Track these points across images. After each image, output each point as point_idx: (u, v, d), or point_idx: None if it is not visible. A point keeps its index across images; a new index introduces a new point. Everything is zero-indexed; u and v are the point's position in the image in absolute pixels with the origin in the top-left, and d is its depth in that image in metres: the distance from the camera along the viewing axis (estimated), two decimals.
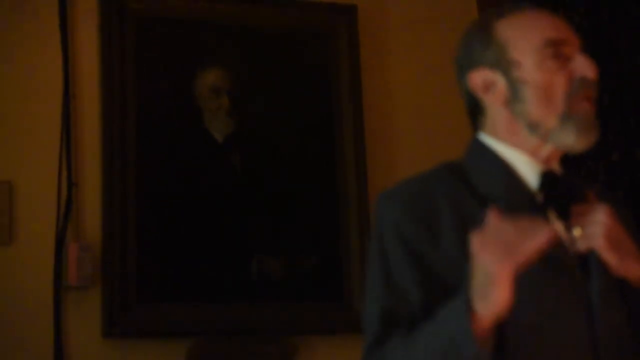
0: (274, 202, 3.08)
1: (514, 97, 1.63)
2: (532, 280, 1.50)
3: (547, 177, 1.61)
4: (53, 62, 2.96)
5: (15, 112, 2.92)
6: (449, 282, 1.52)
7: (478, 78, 1.66)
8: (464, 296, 1.44)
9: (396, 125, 3.32)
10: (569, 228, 1.56)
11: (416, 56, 3.38)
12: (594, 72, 1.61)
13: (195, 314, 2.92)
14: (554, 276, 1.54)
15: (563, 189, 1.60)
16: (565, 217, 1.57)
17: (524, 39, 1.63)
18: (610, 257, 1.52)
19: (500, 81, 1.64)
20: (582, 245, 1.54)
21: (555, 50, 1.61)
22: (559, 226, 1.58)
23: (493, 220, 1.44)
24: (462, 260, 1.49)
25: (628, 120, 3.30)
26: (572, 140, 1.60)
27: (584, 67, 1.61)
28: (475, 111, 1.70)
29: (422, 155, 3.26)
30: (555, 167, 1.65)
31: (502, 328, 1.45)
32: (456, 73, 1.72)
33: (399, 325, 1.53)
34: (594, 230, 1.53)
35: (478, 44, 1.67)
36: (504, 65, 1.63)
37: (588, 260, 1.56)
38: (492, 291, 1.41)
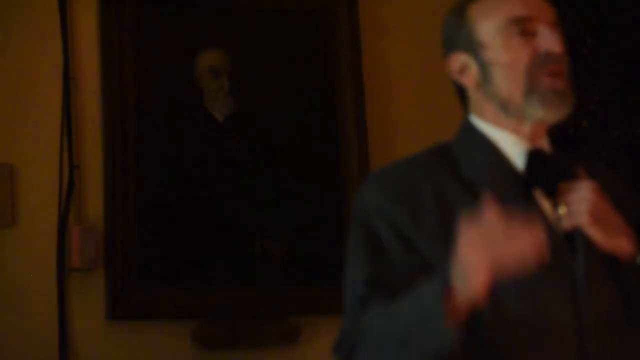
0: (275, 184, 3.08)
1: (484, 79, 1.63)
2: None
3: (532, 156, 1.60)
4: (53, 44, 2.95)
5: (16, 95, 2.91)
6: (431, 262, 1.52)
7: (455, 62, 1.66)
8: (443, 275, 1.44)
9: (397, 106, 3.32)
10: (555, 206, 1.56)
11: (417, 37, 3.36)
12: (559, 46, 1.59)
13: (198, 296, 2.93)
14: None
15: (550, 167, 1.59)
16: (553, 195, 1.57)
17: (490, 19, 1.62)
18: (595, 234, 1.52)
19: (472, 64, 1.64)
20: (567, 223, 1.54)
21: (521, 28, 1.60)
22: (546, 204, 1.58)
23: (487, 213, 1.42)
24: (443, 243, 1.49)
25: (628, 99, 3.30)
26: (540, 113, 1.59)
27: (548, 41, 1.59)
28: (461, 94, 1.70)
29: (423, 137, 3.23)
30: (544, 144, 1.64)
31: (482, 314, 1.45)
32: (443, 56, 1.72)
33: (382, 290, 1.53)
34: (579, 207, 1.52)
35: (454, 27, 1.67)
36: (474, 47, 1.64)
37: (575, 238, 1.55)
38: (469, 280, 1.41)
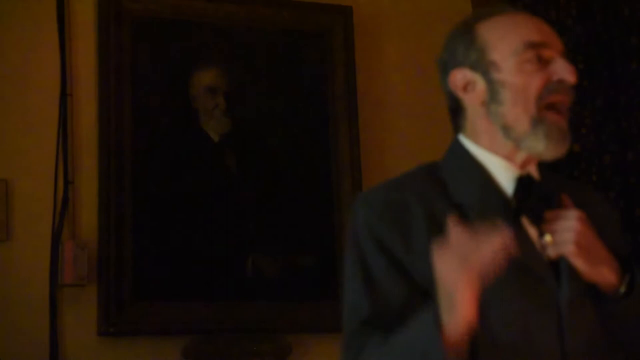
0: (269, 201, 3.10)
1: (491, 98, 1.62)
2: (502, 289, 1.50)
3: (522, 183, 1.59)
4: (50, 61, 2.97)
5: (12, 110, 2.93)
6: (424, 284, 1.52)
7: (458, 77, 1.65)
8: (433, 309, 1.44)
9: (391, 125, 3.34)
10: (542, 234, 1.56)
11: (410, 57, 3.39)
12: (573, 76, 1.59)
13: (190, 313, 2.93)
14: (524, 285, 1.54)
15: (538, 195, 1.58)
16: (539, 223, 1.56)
17: (504, 40, 1.62)
18: (579, 264, 1.53)
19: (479, 82, 1.63)
20: (552, 252, 1.54)
21: (535, 53, 1.60)
22: (532, 232, 1.58)
23: (452, 230, 1.43)
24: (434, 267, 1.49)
25: (620, 123, 3.32)
26: (542, 146, 1.59)
27: (562, 70, 1.59)
28: (455, 112, 1.69)
29: (416, 155, 3.26)
30: (533, 171, 1.64)
31: (474, 341, 1.45)
32: (439, 74, 1.71)
33: (378, 326, 1.54)
34: (564, 236, 1.52)
35: (460, 45, 1.66)
36: (484, 66, 1.63)
37: (560, 266, 1.56)
38: (455, 304, 1.41)
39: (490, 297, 1.47)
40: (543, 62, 1.60)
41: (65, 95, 2.96)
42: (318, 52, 3.26)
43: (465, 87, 1.65)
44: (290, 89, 3.20)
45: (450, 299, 1.42)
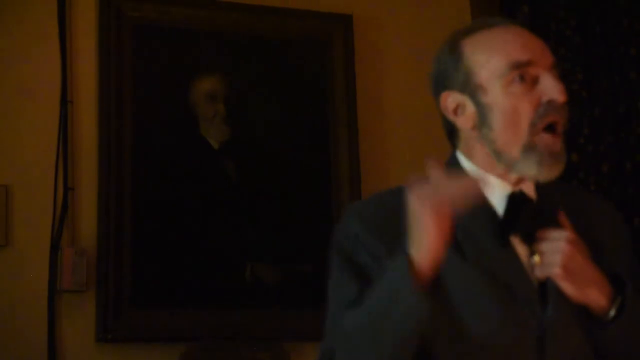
0: (269, 209, 3.10)
1: (481, 122, 1.58)
2: (484, 310, 1.50)
3: (513, 200, 1.57)
4: (51, 67, 2.97)
5: (12, 116, 2.93)
6: None
7: (449, 101, 1.62)
8: (402, 248, 1.46)
9: (391, 133, 3.34)
10: (531, 253, 1.54)
11: (410, 65, 3.40)
12: (563, 95, 1.55)
13: (188, 320, 2.94)
14: (506, 305, 1.52)
15: (530, 212, 1.55)
16: (531, 242, 1.54)
17: (489, 63, 1.57)
18: (566, 287, 1.50)
19: (469, 105, 1.59)
20: (539, 273, 1.52)
21: (521, 73, 1.55)
22: (523, 251, 1.55)
23: (433, 175, 1.45)
24: None
25: (619, 133, 3.33)
26: (534, 172, 1.56)
27: (551, 89, 1.54)
28: (449, 132, 1.66)
29: (416, 163, 3.27)
30: (528, 187, 1.60)
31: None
32: (431, 90, 1.68)
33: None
34: (552, 259, 1.50)
35: (448, 65, 1.62)
36: (471, 89, 1.59)
37: (547, 286, 1.53)
38: (424, 236, 1.43)
39: (471, 316, 1.46)
40: (530, 82, 1.56)
41: (65, 102, 2.96)
42: (318, 60, 3.27)
43: (456, 111, 1.61)
44: (290, 97, 3.21)
45: (420, 232, 1.43)
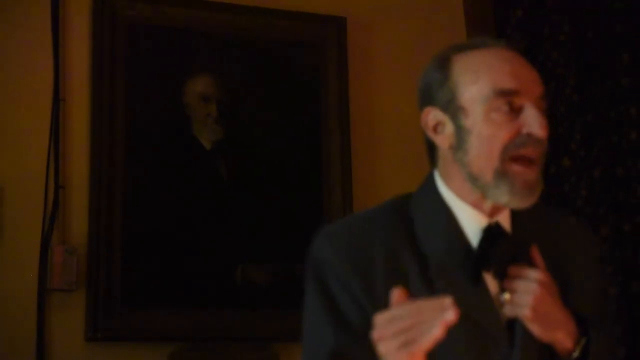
0: (260, 210, 3.10)
1: (458, 145, 1.55)
2: (453, 346, 1.48)
3: (488, 234, 1.54)
4: (44, 66, 2.97)
5: (4, 114, 2.93)
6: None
7: (431, 117, 1.59)
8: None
9: (382, 136, 3.35)
10: (502, 290, 1.53)
11: (403, 69, 3.41)
12: (543, 130, 1.51)
13: (178, 320, 2.93)
14: (475, 343, 1.51)
15: (504, 247, 1.53)
16: (502, 277, 1.52)
17: (474, 85, 1.54)
18: (534, 328, 1.50)
19: (448, 125, 1.56)
20: (508, 312, 1.51)
21: (506, 101, 1.52)
22: (493, 285, 1.54)
23: (395, 303, 1.35)
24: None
25: (610, 138, 3.34)
26: (505, 199, 1.53)
27: (532, 123, 1.51)
28: (430, 148, 1.64)
29: (408, 168, 3.29)
30: (504, 218, 1.58)
31: None
32: (418, 102, 1.65)
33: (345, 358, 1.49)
34: (522, 299, 1.49)
35: (434, 81, 1.59)
36: (453, 110, 1.55)
37: (515, 325, 1.53)
38: None
39: (439, 353, 1.44)
40: (514, 112, 1.52)
41: (58, 100, 2.96)
42: (311, 63, 3.27)
43: (435, 128, 1.59)
44: (283, 99, 3.22)
45: None
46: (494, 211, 1.57)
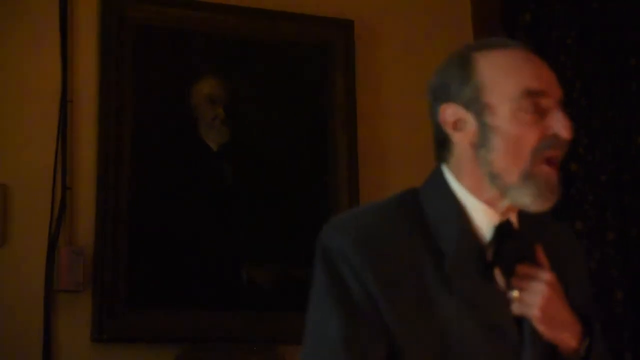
0: (266, 212, 3.11)
1: (481, 142, 1.55)
2: (469, 343, 1.49)
3: (500, 231, 1.54)
4: (52, 67, 2.98)
5: (12, 115, 2.93)
6: (396, 340, 1.47)
7: (449, 113, 1.58)
8: None
9: (389, 139, 3.35)
10: (510, 287, 1.54)
11: (411, 71, 3.41)
12: (569, 132, 1.53)
13: (184, 321, 2.94)
14: (490, 340, 1.52)
15: (514, 245, 1.54)
16: (510, 275, 1.54)
17: (502, 84, 1.54)
18: (541, 329, 1.52)
19: (471, 122, 1.56)
20: (516, 310, 1.53)
21: (533, 102, 1.53)
22: (502, 282, 1.55)
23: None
24: (412, 315, 1.47)
25: (617, 143, 3.33)
26: (528, 201, 1.53)
27: (559, 125, 1.52)
28: (441, 144, 1.62)
29: (415, 169, 3.28)
30: (513, 217, 1.59)
31: None
32: (429, 100, 1.64)
33: (356, 350, 1.48)
34: (531, 299, 1.51)
35: (455, 77, 1.58)
36: (478, 107, 1.55)
37: (523, 323, 1.55)
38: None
39: (455, 346, 1.45)
40: (540, 113, 1.53)
41: (65, 102, 2.97)
42: (318, 65, 3.28)
43: (456, 125, 1.57)
44: (290, 102, 3.22)
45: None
46: (506, 211, 1.57)
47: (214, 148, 3.11)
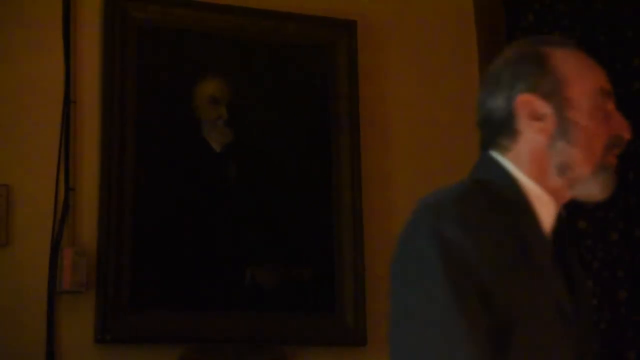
0: (269, 213, 3.11)
1: (561, 134, 1.59)
2: (549, 322, 1.51)
3: (559, 221, 1.61)
4: (55, 68, 2.98)
5: (15, 116, 2.94)
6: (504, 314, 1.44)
7: (529, 103, 1.60)
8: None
9: (393, 138, 3.35)
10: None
11: (413, 72, 3.41)
12: (630, 133, 1.63)
13: (187, 322, 2.94)
14: (563, 322, 1.54)
15: (565, 234, 1.62)
16: (561, 259, 1.59)
17: (582, 80, 1.61)
18: None
19: (550, 114, 1.60)
20: None
21: (603, 101, 1.61)
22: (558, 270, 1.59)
23: None
24: (523, 289, 1.47)
25: (628, 201, 3.32)
26: (597, 191, 1.61)
27: (623, 126, 1.63)
28: (500, 130, 1.63)
29: (418, 169, 3.29)
30: (561, 208, 1.65)
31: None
32: (488, 85, 1.65)
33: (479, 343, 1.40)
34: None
35: (530, 68, 1.62)
36: (558, 100, 1.60)
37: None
38: None
39: (534, 327, 1.47)
40: (607, 112, 1.62)
41: (68, 102, 2.97)
42: (321, 65, 3.27)
43: (533, 115, 1.60)
44: (293, 102, 3.22)
45: None
46: (563, 200, 1.63)
47: (217, 148, 3.11)
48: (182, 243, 2.98)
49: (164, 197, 3.00)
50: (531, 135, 1.61)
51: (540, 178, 1.60)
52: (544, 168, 1.60)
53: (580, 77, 1.61)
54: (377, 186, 3.25)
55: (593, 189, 1.60)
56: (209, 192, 3.06)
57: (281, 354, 3.01)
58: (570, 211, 1.63)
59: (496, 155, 1.63)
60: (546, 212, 1.59)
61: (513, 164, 1.61)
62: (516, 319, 1.45)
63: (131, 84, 3.02)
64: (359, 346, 3.09)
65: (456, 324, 1.39)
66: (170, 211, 2.99)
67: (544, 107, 1.60)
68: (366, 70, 3.33)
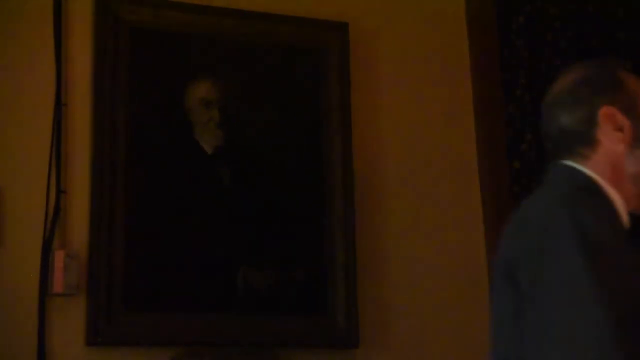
0: (261, 215, 3.11)
1: (636, 145, 1.75)
2: None
3: (633, 221, 1.74)
4: (46, 70, 2.98)
5: (6, 118, 2.93)
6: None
7: (612, 115, 1.76)
8: None
9: (385, 141, 3.35)
10: None
11: (406, 74, 3.42)
12: None
13: (179, 324, 2.93)
14: None
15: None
16: None
17: None
18: None
19: (628, 126, 1.76)
20: None
21: None
22: None
23: None
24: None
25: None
26: None
27: None
28: (581, 141, 1.78)
29: (409, 173, 3.29)
30: None
31: None
32: (562, 102, 1.79)
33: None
34: None
35: (610, 85, 1.78)
36: (633, 115, 1.76)
37: None
38: None
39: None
40: None
41: (60, 105, 2.96)
42: (313, 68, 3.28)
43: (615, 126, 1.76)
44: (285, 104, 3.22)
45: None
46: (630, 210, 1.76)
47: (209, 151, 3.11)
48: (174, 245, 2.98)
49: (155, 200, 3.00)
50: (610, 145, 1.76)
51: (618, 184, 1.75)
52: (621, 175, 1.75)
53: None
54: (369, 188, 3.25)
55: None
56: (201, 194, 3.06)
57: (274, 356, 3.01)
58: None
59: (573, 163, 1.76)
60: (624, 216, 1.73)
61: (592, 171, 1.75)
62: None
63: (122, 87, 3.02)
64: (350, 348, 3.09)
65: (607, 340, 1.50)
66: (162, 213, 2.99)
67: (622, 119, 1.76)
68: (358, 72, 3.33)
